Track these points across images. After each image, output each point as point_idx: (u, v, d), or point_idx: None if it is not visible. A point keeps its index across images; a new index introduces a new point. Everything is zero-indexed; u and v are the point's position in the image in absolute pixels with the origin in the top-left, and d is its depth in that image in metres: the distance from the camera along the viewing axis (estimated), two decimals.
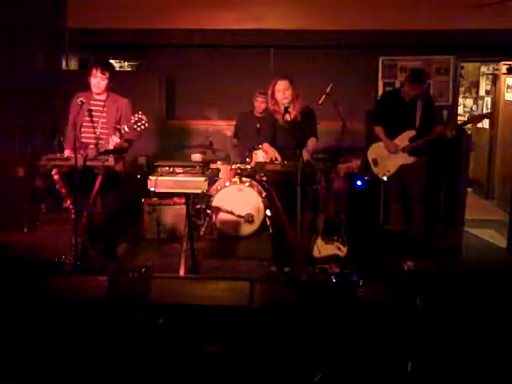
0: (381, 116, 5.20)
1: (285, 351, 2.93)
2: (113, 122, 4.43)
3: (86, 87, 4.48)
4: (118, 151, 4.32)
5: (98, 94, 4.45)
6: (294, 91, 4.44)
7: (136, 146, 4.74)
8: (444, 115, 6.68)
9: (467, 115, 8.73)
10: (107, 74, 4.39)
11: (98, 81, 4.39)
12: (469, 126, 8.57)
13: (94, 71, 4.38)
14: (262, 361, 2.89)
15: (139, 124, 4.22)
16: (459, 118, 7.82)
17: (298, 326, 3.00)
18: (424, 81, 5.04)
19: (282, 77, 4.43)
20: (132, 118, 4.24)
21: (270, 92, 4.47)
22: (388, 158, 5.04)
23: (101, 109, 4.45)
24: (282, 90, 4.39)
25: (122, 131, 4.24)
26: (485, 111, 8.16)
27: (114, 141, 4.25)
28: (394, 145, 5.00)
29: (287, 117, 4.35)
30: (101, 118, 4.43)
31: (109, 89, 4.48)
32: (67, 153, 4.38)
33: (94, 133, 4.41)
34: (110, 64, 4.55)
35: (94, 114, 4.40)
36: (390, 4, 6.51)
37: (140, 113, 4.24)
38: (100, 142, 4.37)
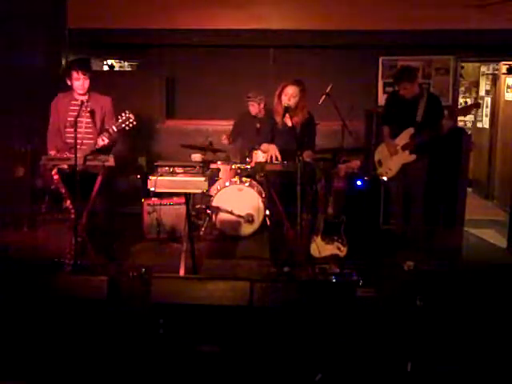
0: (387, 116, 5.21)
1: (285, 351, 2.93)
2: (97, 121, 4.43)
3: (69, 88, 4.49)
4: (103, 151, 4.31)
5: (82, 94, 4.44)
6: (302, 100, 4.41)
7: (136, 146, 4.74)
8: (445, 113, 6.68)
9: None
10: (88, 74, 4.40)
11: (81, 82, 4.39)
12: (468, 125, 8.62)
13: (75, 74, 4.38)
14: (262, 361, 2.89)
15: (127, 123, 4.22)
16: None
17: (297, 325, 3.00)
18: (412, 77, 4.90)
19: (295, 82, 4.40)
20: (119, 117, 4.24)
21: (277, 92, 4.46)
22: (390, 157, 5.04)
23: (84, 109, 4.44)
24: (289, 95, 4.37)
25: (111, 131, 4.24)
26: (485, 111, 8.17)
27: (104, 141, 4.25)
28: (393, 145, 5.00)
29: (287, 120, 4.34)
30: (85, 118, 4.42)
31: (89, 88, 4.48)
32: (52, 154, 4.37)
33: (79, 133, 4.40)
34: (88, 63, 4.56)
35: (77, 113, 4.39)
36: (391, 4, 6.52)
37: (127, 111, 4.24)
38: (85, 141, 4.36)
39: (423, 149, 4.90)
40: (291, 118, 4.30)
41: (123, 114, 4.23)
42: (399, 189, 5.13)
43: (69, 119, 4.39)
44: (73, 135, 4.37)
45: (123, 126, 4.22)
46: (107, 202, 4.55)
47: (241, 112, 6.26)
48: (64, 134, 4.40)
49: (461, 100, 8.29)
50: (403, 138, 4.95)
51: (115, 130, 4.24)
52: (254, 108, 5.98)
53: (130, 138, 4.61)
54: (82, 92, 4.43)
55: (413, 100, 4.92)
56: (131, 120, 4.22)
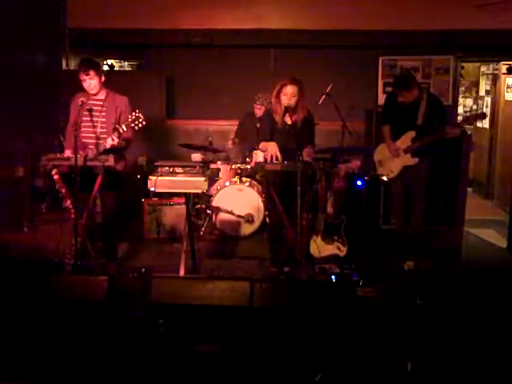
0: (386, 115, 5.19)
1: (285, 351, 2.93)
2: (112, 121, 4.42)
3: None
4: (115, 150, 4.31)
5: (95, 94, 4.44)
6: (301, 99, 4.40)
7: (136, 146, 4.74)
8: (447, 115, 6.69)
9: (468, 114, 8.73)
10: (92, 74, 4.35)
11: (87, 83, 4.38)
12: (468, 126, 8.62)
13: (80, 76, 4.38)
14: (262, 361, 2.89)
15: (137, 122, 4.21)
16: (458, 118, 7.83)
17: (298, 325, 3.00)
18: (410, 85, 4.81)
19: (293, 81, 4.36)
20: (129, 116, 4.24)
21: (276, 91, 4.43)
22: (392, 159, 5.02)
23: (100, 108, 4.44)
24: (289, 95, 4.34)
25: (121, 130, 4.23)
26: (485, 111, 8.17)
27: (114, 141, 4.25)
28: (394, 147, 4.98)
29: (287, 119, 4.34)
30: (100, 118, 4.42)
31: (103, 86, 4.45)
32: (68, 153, 4.37)
33: (94, 132, 4.41)
34: (92, 62, 4.51)
35: (93, 113, 4.40)
36: (391, 4, 6.52)
37: (137, 111, 4.23)
38: (99, 141, 4.37)
39: (425, 151, 4.89)
40: (291, 116, 4.29)
41: (133, 114, 4.23)
42: (400, 189, 5.12)
43: (84, 118, 4.39)
44: (86, 135, 4.42)
45: (132, 125, 4.22)
46: (114, 202, 4.54)
47: (245, 112, 6.25)
48: (79, 134, 4.38)
49: (461, 100, 8.30)
50: (404, 141, 4.93)
51: (124, 129, 4.23)
52: (261, 111, 5.94)
53: (134, 132, 4.60)
54: (93, 92, 4.41)
55: (413, 102, 4.91)
56: (140, 120, 4.21)
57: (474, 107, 8.76)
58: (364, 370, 2.90)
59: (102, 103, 4.45)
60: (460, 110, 8.35)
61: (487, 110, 8.10)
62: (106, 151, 4.25)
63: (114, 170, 4.31)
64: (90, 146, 4.34)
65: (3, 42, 5.68)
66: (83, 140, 4.40)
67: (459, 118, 6.96)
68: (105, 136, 4.37)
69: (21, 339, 3.02)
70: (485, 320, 3.41)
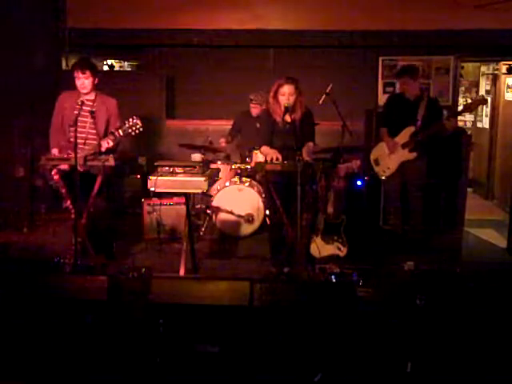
0: (386, 118, 5.21)
1: (285, 351, 2.93)
2: (102, 122, 4.43)
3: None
4: (107, 152, 4.29)
5: (86, 93, 4.43)
6: (298, 97, 4.39)
7: (136, 146, 4.74)
8: (444, 115, 6.68)
9: (467, 115, 8.72)
10: (88, 73, 4.35)
11: (81, 81, 4.37)
12: (468, 125, 8.62)
13: (75, 73, 4.38)
14: (262, 361, 2.89)
15: (134, 128, 4.21)
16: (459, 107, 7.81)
17: (297, 325, 3.00)
18: (415, 74, 4.95)
19: (289, 80, 4.33)
20: (126, 122, 4.23)
21: (272, 92, 4.42)
22: (388, 156, 5.05)
23: (89, 108, 4.43)
24: (287, 95, 4.32)
25: (117, 135, 4.23)
26: (485, 111, 8.17)
27: (109, 144, 4.24)
28: (393, 142, 5.00)
29: (287, 118, 4.33)
30: (90, 118, 4.40)
31: (95, 87, 4.45)
32: (54, 152, 4.36)
33: (83, 132, 4.39)
34: (90, 62, 4.51)
35: (83, 113, 4.37)
36: (390, 4, 6.52)
37: (135, 117, 4.22)
38: (88, 141, 4.36)
39: (423, 147, 4.91)
40: (290, 115, 4.28)
41: (130, 120, 4.22)
42: (397, 186, 5.14)
43: (73, 118, 4.38)
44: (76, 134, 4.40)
45: (129, 131, 4.22)
46: (108, 202, 4.54)
47: (240, 110, 6.25)
48: (68, 133, 4.38)
49: (461, 100, 8.29)
50: (403, 136, 4.96)
51: (121, 134, 4.23)
52: (256, 110, 5.95)
53: (130, 137, 4.60)
54: (84, 91, 4.41)
55: (413, 102, 4.94)
56: (138, 126, 4.21)
57: None
58: (364, 369, 2.90)
59: (91, 103, 4.44)
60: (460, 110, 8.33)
61: (487, 110, 8.10)
62: (100, 153, 4.24)
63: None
64: (80, 146, 4.32)
65: (3, 42, 5.68)
66: (71, 139, 4.37)
67: (460, 108, 6.91)
68: (94, 136, 4.37)
69: (20, 339, 3.02)
70: (485, 320, 3.41)
